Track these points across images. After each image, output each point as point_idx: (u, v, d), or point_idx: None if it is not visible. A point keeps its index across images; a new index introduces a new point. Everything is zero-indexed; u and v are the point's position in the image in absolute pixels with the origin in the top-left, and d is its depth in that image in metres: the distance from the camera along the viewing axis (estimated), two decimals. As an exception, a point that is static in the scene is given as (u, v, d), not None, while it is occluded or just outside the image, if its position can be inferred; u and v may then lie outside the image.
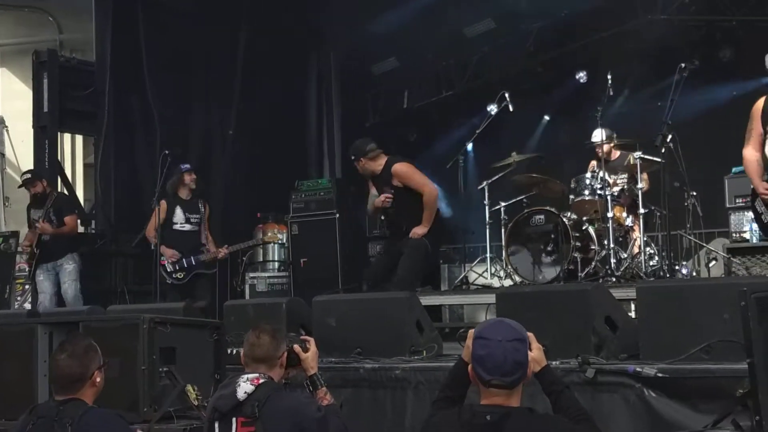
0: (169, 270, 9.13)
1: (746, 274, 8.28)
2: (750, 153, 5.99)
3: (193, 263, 9.15)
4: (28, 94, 11.79)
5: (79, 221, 10.17)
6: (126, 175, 11.38)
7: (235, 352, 5.89)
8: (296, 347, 4.23)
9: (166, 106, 11.46)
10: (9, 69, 14.97)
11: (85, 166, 15.06)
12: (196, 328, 5.32)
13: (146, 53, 11.35)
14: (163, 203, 9.15)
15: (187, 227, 9.25)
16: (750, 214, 8.96)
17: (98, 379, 4.10)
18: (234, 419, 3.83)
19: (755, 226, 8.99)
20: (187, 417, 4.75)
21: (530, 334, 3.54)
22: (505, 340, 3.30)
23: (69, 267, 9.55)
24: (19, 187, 9.88)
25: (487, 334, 3.36)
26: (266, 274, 11.38)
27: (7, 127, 13.33)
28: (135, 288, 10.71)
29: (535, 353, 3.51)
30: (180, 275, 9.06)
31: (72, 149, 15.13)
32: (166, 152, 9.39)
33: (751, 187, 6.14)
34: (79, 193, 13.52)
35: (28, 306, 10.58)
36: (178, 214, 9.20)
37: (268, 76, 12.49)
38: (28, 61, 11.65)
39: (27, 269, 10.97)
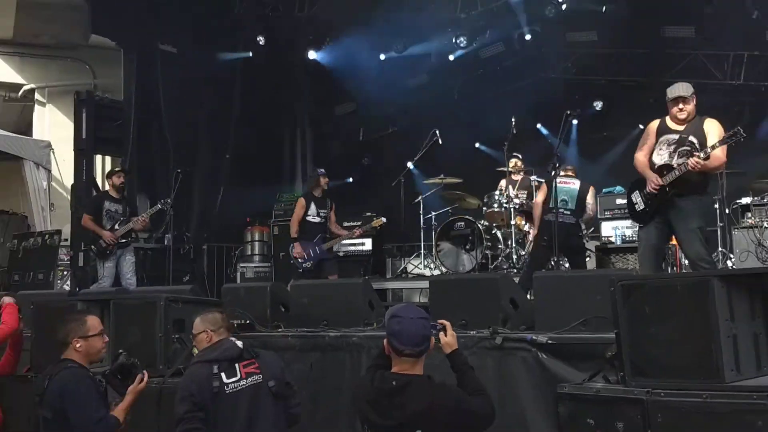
0: (300, 262, 8.69)
1: (612, 267, 8.47)
2: (641, 156, 5.90)
3: (318, 252, 8.68)
4: (69, 125, 11.59)
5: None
6: (145, 189, 11.22)
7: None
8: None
9: (178, 135, 11.33)
10: (55, 105, 14.82)
11: (114, 178, 14.91)
12: (200, 305, 5.24)
13: (163, 95, 11.22)
14: (302, 200, 8.87)
15: (317, 219, 8.76)
16: (613, 223, 9.19)
17: (78, 345, 3.95)
18: (237, 365, 3.80)
19: (618, 231, 9.17)
20: (194, 373, 4.70)
21: (447, 323, 3.50)
22: (416, 318, 3.24)
23: (132, 258, 8.86)
24: (112, 174, 9.10)
25: (401, 313, 3.30)
26: (253, 264, 11.29)
27: (53, 149, 13.10)
28: (151, 274, 10.48)
29: (449, 338, 3.46)
30: (309, 264, 8.62)
31: (102, 167, 14.90)
32: (178, 171, 9.27)
33: (631, 182, 6.03)
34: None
35: (66, 287, 10.34)
36: (312, 209, 8.75)
37: (257, 115, 12.45)
38: (69, 100, 11.47)
39: (65, 258, 10.74)
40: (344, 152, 13.93)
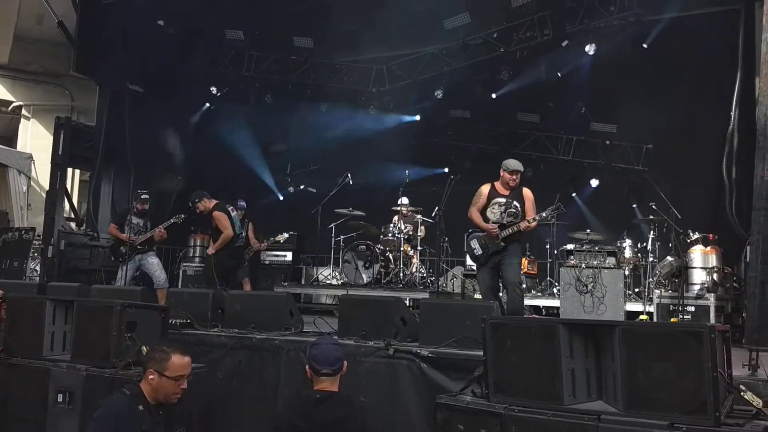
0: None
1: (472, 287, 8.54)
2: (474, 212, 6.04)
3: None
4: (48, 136, 10.97)
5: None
6: (107, 198, 10.48)
7: (173, 322, 5.42)
8: None
9: (138, 156, 10.66)
10: (37, 120, 14.47)
11: (81, 182, 14.07)
12: (149, 309, 4.80)
13: (129, 122, 10.58)
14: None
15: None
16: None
17: (151, 377, 3.38)
18: None
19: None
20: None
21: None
22: (330, 344, 3.16)
23: (154, 260, 8.03)
24: (138, 200, 8.05)
25: (318, 341, 3.24)
26: (194, 264, 10.63)
27: (33, 160, 12.28)
28: (108, 268, 9.65)
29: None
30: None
31: (73, 178, 14.04)
32: (139, 191, 8.46)
33: (467, 233, 6.11)
34: (75, 199, 12.61)
35: (38, 270, 9.50)
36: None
37: (204, 149, 11.88)
38: (50, 116, 10.94)
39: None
40: (274, 181, 13.46)
